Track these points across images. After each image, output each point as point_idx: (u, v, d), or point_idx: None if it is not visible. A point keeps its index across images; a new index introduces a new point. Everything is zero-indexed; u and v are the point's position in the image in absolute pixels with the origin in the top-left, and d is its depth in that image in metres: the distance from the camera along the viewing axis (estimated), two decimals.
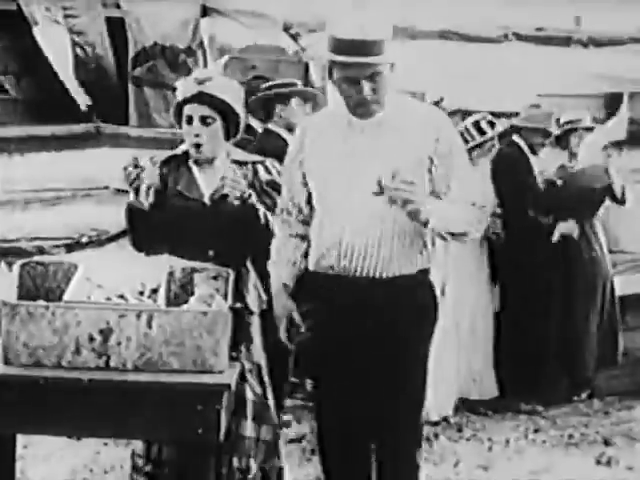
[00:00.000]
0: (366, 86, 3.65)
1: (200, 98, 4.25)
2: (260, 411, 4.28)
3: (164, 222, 4.23)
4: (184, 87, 4.30)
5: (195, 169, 4.36)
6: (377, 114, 3.75)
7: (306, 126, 3.95)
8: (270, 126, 5.87)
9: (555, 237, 6.69)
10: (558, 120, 6.93)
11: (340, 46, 3.61)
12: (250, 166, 4.41)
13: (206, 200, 4.30)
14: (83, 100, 6.75)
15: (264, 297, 4.29)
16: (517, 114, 6.95)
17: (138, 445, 4.32)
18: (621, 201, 6.89)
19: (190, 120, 4.27)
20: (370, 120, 3.76)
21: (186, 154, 4.39)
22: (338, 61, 3.63)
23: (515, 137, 6.84)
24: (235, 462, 4.25)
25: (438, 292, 3.96)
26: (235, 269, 4.05)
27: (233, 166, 4.38)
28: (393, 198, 3.58)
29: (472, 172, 3.89)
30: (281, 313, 3.95)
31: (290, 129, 5.84)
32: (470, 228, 3.80)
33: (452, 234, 3.76)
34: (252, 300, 4.29)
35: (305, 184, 3.88)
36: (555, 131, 6.88)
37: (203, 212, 4.27)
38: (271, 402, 4.36)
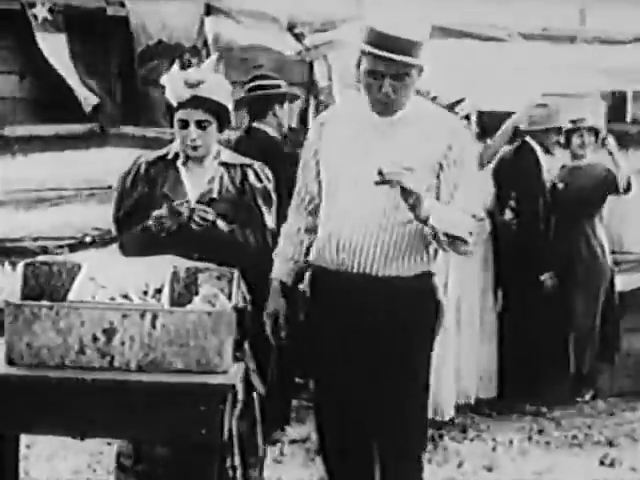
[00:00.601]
0: (387, 83, 3.66)
1: (194, 102, 4.22)
2: (244, 408, 4.29)
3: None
4: (175, 89, 4.25)
5: (182, 170, 4.34)
6: (396, 114, 3.76)
7: (327, 116, 3.96)
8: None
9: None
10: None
11: (373, 38, 3.63)
12: (239, 169, 4.39)
13: (192, 202, 4.28)
14: (89, 101, 6.73)
15: (248, 298, 4.24)
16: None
17: (123, 445, 4.29)
18: (625, 190, 6.85)
19: (185, 124, 4.26)
20: (388, 119, 3.77)
21: (175, 155, 4.37)
22: (368, 52, 3.64)
23: (527, 138, 6.83)
24: (228, 462, 4.26)
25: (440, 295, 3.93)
26: None
27: (221, 169, 4.37)
28: (391, 180, 3.57)
29: (478, 184, 3.87)
30: (272, 310, 3.97)
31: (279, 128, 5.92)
32: (468, 237, 3.78)
33: (450, 237, 3.73)
34: (236, 300, 4.27)
35: (318, 174, 3.89)
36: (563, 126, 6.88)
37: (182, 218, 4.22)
38: (255, 399, 4.36)
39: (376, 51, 3.61)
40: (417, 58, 3.65)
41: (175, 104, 4.25)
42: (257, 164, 4.44)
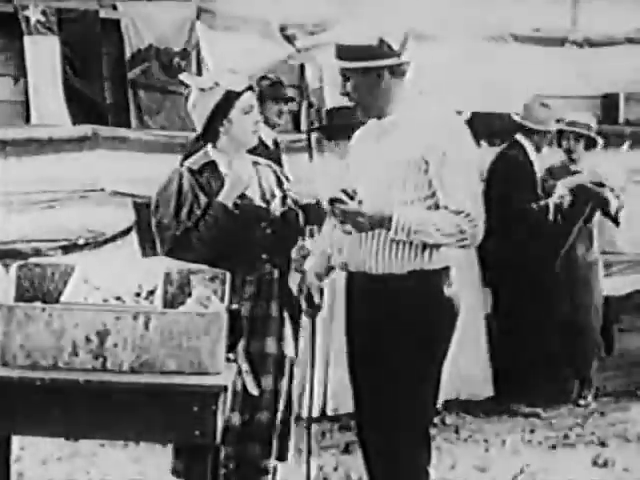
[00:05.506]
0: (348, 85, 3.88)
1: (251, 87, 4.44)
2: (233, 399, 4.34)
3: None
4: (232, 82, 4.37)
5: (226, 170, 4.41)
6: (387, 117, 3.87)
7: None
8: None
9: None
10: (559, 121, 6.91)
11: (335, 52, 3.88)
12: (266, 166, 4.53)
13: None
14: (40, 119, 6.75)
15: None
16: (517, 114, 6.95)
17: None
18: (614, 220, 6.88)
19: (249, 110, 4.37)
20: (382, 122, 3.89)
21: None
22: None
23: (518, 136, 6.83)
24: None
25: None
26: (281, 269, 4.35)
27: (251, 167, 4.49)
28: (332, 205, 3.80)
29: (468, 180, 3.85)
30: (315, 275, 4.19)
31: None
32: (446, 239, 3.79)
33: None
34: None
35: None
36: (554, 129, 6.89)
37: (270, 218, 4.39)
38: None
39: (333, 62, 3.85)
40: (374, 60, 3.78)
41: (240, 90, 4.37)
42: (270, 162, 4.62)
